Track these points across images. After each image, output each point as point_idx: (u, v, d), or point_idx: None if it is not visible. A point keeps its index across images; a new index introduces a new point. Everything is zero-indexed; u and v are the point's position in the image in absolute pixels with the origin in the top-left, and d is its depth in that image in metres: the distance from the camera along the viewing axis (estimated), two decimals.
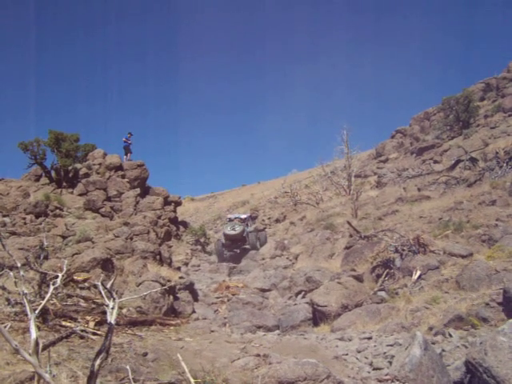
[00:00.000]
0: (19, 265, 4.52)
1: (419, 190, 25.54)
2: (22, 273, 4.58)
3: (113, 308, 4.35)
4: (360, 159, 40.57)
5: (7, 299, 8.92)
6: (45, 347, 6.11)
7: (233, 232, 25.70)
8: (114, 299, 4.46)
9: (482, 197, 18.56)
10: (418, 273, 13.11)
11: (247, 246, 26.27)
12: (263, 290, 17.50)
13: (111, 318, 4.24)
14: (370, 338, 9.94)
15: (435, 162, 31.64)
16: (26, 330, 7.12)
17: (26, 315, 4.59)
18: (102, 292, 5.07)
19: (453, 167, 27.46)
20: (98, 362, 4.10)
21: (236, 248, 26.33)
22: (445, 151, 32.71)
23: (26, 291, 4.27)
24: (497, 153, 23.95)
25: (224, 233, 26.18)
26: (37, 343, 3.95)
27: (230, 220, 27.57)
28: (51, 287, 5.08)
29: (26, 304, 4.19)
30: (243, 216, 28.19)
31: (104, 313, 8.45)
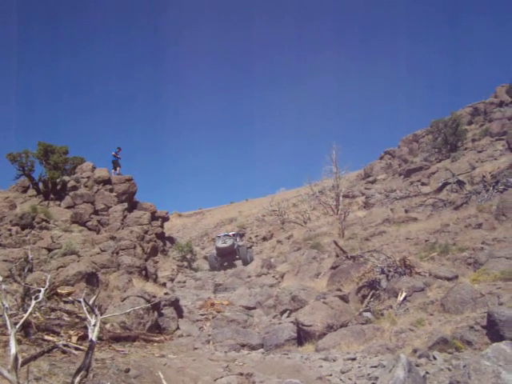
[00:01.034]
0: (0, 278, 4.48)
1: (406, 211, 25.65)
2: (3, 286, 4.53)
3: (95, 325, 4.31)
4: (348, 179, 40.74)
5: None
6: (25, 361, 6.04)
7: (224, 245, 27.54)
8: (96, 316, 4.42)
9: (468, 220, 18.67)
10: (404, 294, 13.11)
11: (237, 260, 27.88)
12: (248, 308, 17.43)
13: (92, 335, 4.19)
14: (354, 359, 9.91)
15: (423, 184, 31.82)
16: (8, 343, 7.04)
17: (8, 329, 4.53)
18: (84, 308, 5.02)
19: (440, 190, 27.62)
20: (77, 379, 4.05)
21: (227, 261, 28.12)
22: (432, 173, 32.90)
23: (7, 305, 4.22)
24: (483, 176, 24.14)
25: (216, 246, 28.03)
26: (16, 359, 3.91)
27: (219, 237, 29.10)
28: (33, 301, 5.03)
29: (7, 318, 4.14)
30: (231, 233, 29.88)
31: (87, 327, 8.40)
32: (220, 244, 27.79)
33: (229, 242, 27.64)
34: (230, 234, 29.48)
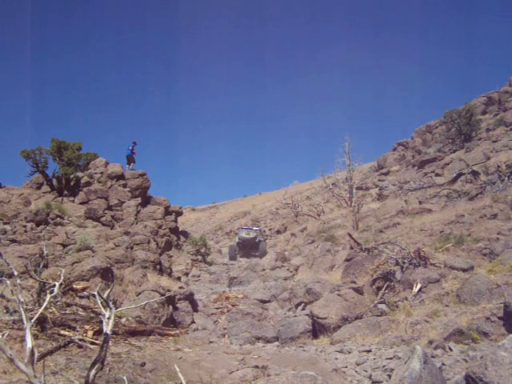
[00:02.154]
0: (16, 273, 4.51)
1: (420, 202, 25.49)
2: (18, 281, 4.56)
3: (109, 318, 4.33)
4: (362, 171, 40.54)
5: (6, 307, 8.89)
6: (42, 356, 6.08)
7: (247, 236, 29.31)
8: (111, 309, 4.43)
9: (483, 210, 18.52)
10: (419, 286, 13.05)
11: (257, 254, 28.98)
12: (263, 301, 17.44)
13: (107, 328, 4.21)
14: (369, 351, 9.88)
15: (437, 174, 31.59)
16: (24, 339, 7.09)
17: (24, 323, 4.57)
18: (99, 302, 5.04)
19: (454, 180, 27.42)
20: (93, 372, 4.07)
21: (247, 252, 29.64)
22: (446, 164, 32.67)
23: (22, 300, 4.25)
24: (498, 166, 23.93)
25: (240, 236, 29.79)
26: (32, 353, 3.93)
27: (244, 229, 31.09)
28: (48, 296, 5.06)
29: (23, 313, 4.17)
30: (255, 228, 31.71)
31: (103, 322, 8.44)
32: (244, 234, 29.55)
33: (252, 235, 29.35)
34: (255, 228, 31.20)
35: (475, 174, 26.25)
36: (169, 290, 14.14)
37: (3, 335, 7.15)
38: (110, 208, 25.03)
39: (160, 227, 25.43)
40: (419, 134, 46.89)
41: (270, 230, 36.76)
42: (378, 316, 12.49)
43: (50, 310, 9.07)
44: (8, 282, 5.26)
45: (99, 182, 26.47)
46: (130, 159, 29.79)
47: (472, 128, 36.33)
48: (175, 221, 29.04)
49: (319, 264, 20.37)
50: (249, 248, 29.56)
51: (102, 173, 27.24)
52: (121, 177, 27.28)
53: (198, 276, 23.50)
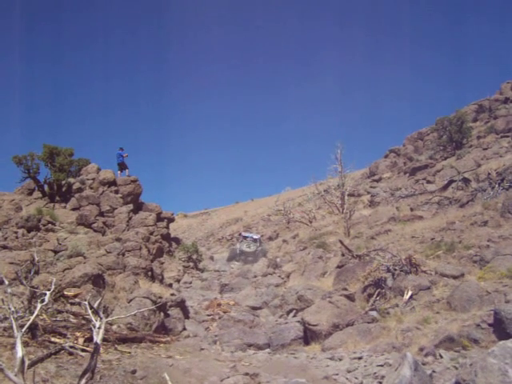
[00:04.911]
0: (7, 283, 4.50)
1: (412, 209, 25.56)
2: (9, 290, 4.55)
3: (99, 328, 4.32)
4: (353, 178, 40.52)
5: None
6: (32, 364, 6.06)
7: (248, 249, 30.79)
8: (101, 319, 4.43)
9: (474, 217, 18.59)
10: (410, 293, 13.09)
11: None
12: (254, 308, 17.44)
13: (97, 337, 4.21)
14: (360, 358, 9.91)
15: (428, 182, 31.71)
16: (15, 346, 7.05)
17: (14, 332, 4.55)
18: (89, 311, 5.03)
19: (445, 187, 27.53)
20: (83, 381, 4.06)
21: (246, 260, 30.55)
22: (438, 171, 32.81)
23: (13, 309, 4.23)
24: (489, 174, 24.07)
25: (240, 249, 31.09)
26: (23, 362, 3.92)
27: (244, 238, 32.35)
28: (39, 305, 5.04)
29: (13, 322, 4.16)
30: (255, 236, 32.67)
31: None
32: (245, 248, 30.90)
33: (253, 248, 30.71)
34: (254, 237, 32.30)
35: (466, 181, 26.38)
36: (160, 297, 14.11)
37: None
38: (101, 214, 24.91)
39: (152, 234, 25.32)
40: (411, 141, 47.06)
41: (262, 236, 36.74)
42: (369, 323, 12.51)
43: (41, 317, 9.05)
44: None
45: (91, 188, 26.34)
46: (123, 166, 29.55)
47: (463, 135, 36.56)
48: (167, 227, 28.92)
49: (311, 271, 20.39)
50: (248, 257, 30.41)
51: (93, 179, 27.09)
52: (113, 183, 27.14)
53: (190, 283, 23.45)
